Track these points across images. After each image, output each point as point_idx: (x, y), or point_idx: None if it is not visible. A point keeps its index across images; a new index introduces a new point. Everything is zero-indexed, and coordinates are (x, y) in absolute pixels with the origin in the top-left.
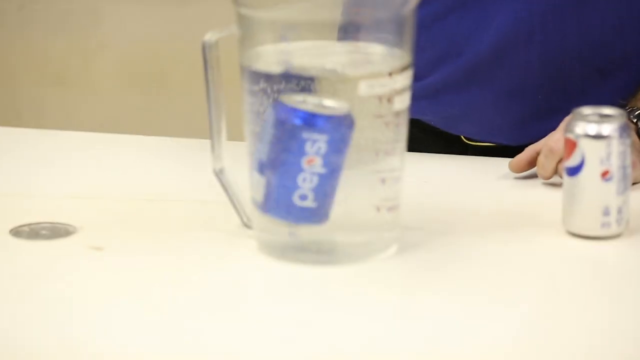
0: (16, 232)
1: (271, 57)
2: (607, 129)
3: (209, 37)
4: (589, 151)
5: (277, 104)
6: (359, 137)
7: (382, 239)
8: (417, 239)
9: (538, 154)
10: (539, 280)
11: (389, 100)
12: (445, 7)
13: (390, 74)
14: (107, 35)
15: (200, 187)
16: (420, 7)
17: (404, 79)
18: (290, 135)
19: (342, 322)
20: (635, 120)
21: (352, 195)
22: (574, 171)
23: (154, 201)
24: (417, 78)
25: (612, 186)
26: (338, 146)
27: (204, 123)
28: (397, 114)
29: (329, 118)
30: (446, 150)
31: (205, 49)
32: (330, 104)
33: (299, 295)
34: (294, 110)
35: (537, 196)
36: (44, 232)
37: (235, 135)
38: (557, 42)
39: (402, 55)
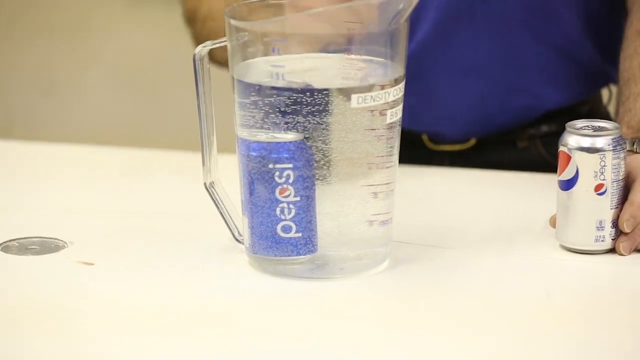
0: (5, 247)
1: (262, 69)
2: (601, 142)
3: (200, 49)
4: (583, 164)
5: (240, 141)
6: (351, 150)
7: (375, 253)
8: (410, 254)
9: None
10: (532, 294)
11: (382, 113)
12: None
13: (382, 87)
14: (98, 46)
15: (191, 201)
16: None
17: (397, 92)
18: (258, 168)
19: (333, 336)
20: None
21: (344, 210)
22: (567, 184)
23: (144, 215)
24: None
25: (606, 200)
26: (304, 172)
27: (195, 135)
28: (390, 127)
29: (289, 145)
30: (409, 156)
31: (196, 61)
32: (284, 136)
33: (290, 310)
34: (257, 144)
35: (530, 210)
36: (33, 247)
37: (226, 148)
38: (500, 12)
39: (394, 68)
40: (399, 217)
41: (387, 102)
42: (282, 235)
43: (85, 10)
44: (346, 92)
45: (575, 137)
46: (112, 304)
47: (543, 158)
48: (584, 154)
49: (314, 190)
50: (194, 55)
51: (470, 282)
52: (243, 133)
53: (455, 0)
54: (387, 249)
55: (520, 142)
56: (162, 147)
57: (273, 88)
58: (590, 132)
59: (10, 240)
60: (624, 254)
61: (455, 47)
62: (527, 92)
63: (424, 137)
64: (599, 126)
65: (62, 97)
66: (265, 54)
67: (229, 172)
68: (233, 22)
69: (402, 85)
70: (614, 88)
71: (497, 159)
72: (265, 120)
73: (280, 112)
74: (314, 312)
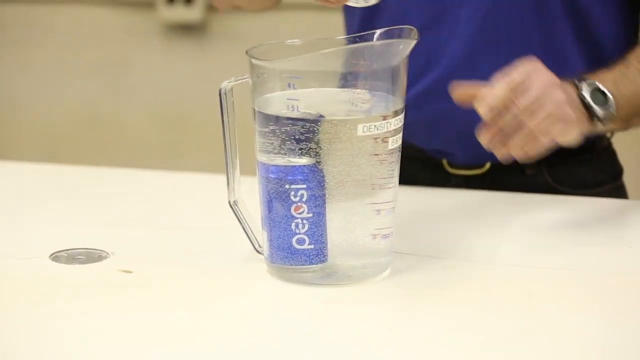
0: (55, 257)
1: (280, 102)
2: None
3: (225, 84)
4: None
5: (260, 165)
6: (357, 173)
7: (378, 263)
8: (409, 263)
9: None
10: (516, 298)
11: (384, 140)
12: (422, 25)
13: (384, 118)
14: (134, 83)
15: (217, 217)
16: (403, 25)
17: (397, 122)
18: (276, 188)
19: (340, 332)
20: (577, 82)
21: (351, 225)
22: None
23: (177, 229)
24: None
25: None
26: (316, 192)
27: (221, 160)
28: (391, 152)
29: (303, 168)
30: (431, 178)
31: (221, 94)
32: (298, 160)
33: (303, 311)
34: (274, 167)
35: (521, 223)
36: (80, 257)
37: (247, 170)
38: (521, 53)
39: (395, 101)
40: (405, 231)
41: (389, 131)
42: (296, 247)
43: (124, 50)
44: (353, 122)
45: None
46: (147, 307)
47: (548, 184)
48: None
49: (325, 207)
50: (220, 90)
51: (463, 288)
52: (262, 158)
53: (482, 34)
54: (389, 259)
55: (529, 170)
56: (191, 170)
57: (289, 119)
58: None
59: (59, 251)
60: (484, 143)
61: (480, 77)
62: None
63: (444, 162)
64: None
65: (102, 129)
66: (282, 89)
67: (250, 192)
68: (254, 61)
69: (402, 116)
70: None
71: (508, 183)
72: (282, 146)
73: (295, 139)
74: (324, 313)
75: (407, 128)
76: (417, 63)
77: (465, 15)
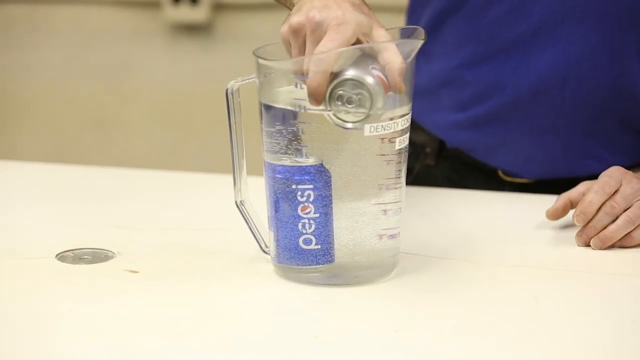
0: (61, 257)
1: (286, 102)
2: None
3: (232, 84)
4: None
5: (267, 165)
6: (363, 173)
7: (384, 263)
8: (415, 264)
9: (571, 202)
10: (522, 300)
11: (391, 140)
12: (491, 51)
13: (391, 118)
14: (140, 83)
15: (223, 217)
16: (467, 47)
17: (404, 122)
18: (283, 188)
19: (347, 334)
20: None
21: (358, 225)
22: None
23: (182, 229)
24: (462, 109)
25: None
26: (323, 192)
27: (227, 160)
28: (398, 153)
29: (309, 168)
30: (485, 183)
31: (228, 94)
32: (305, 160)
33: (310, 312)
34: (281, 167)
35: (528, 224)
36: (86, 257)
37: (254, 171)
38: (589, 91)
39: (402, 101)
40: (412, 231)
41: (396, 131)
42: (303, 247)
43: (129, 50)
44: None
45: None
46: (153, 307)
47: None
48: None
49: (332, 207)
50: (227, 90)
51: (467, 289)
52: (269, 158)
53: (552, 73)
54: (395, 259)
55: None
56: (197, 171)
57: (296, 118)
58: None
59: (65, 251)
60: (580, 245)
61: (541, 111)
62: (595, 157)
63: (499, 172)
64: None
65: (108, 129)
66: (289, 89)
67: (257, 192)
68: (261, 61)
69: (409, 116)
70: None
71: (565, 189)
72: (289, 146)
73: (302, 139)
74: (330, 314)
75: (466, 143)
76: (481, 83)
77: (536, 50)
